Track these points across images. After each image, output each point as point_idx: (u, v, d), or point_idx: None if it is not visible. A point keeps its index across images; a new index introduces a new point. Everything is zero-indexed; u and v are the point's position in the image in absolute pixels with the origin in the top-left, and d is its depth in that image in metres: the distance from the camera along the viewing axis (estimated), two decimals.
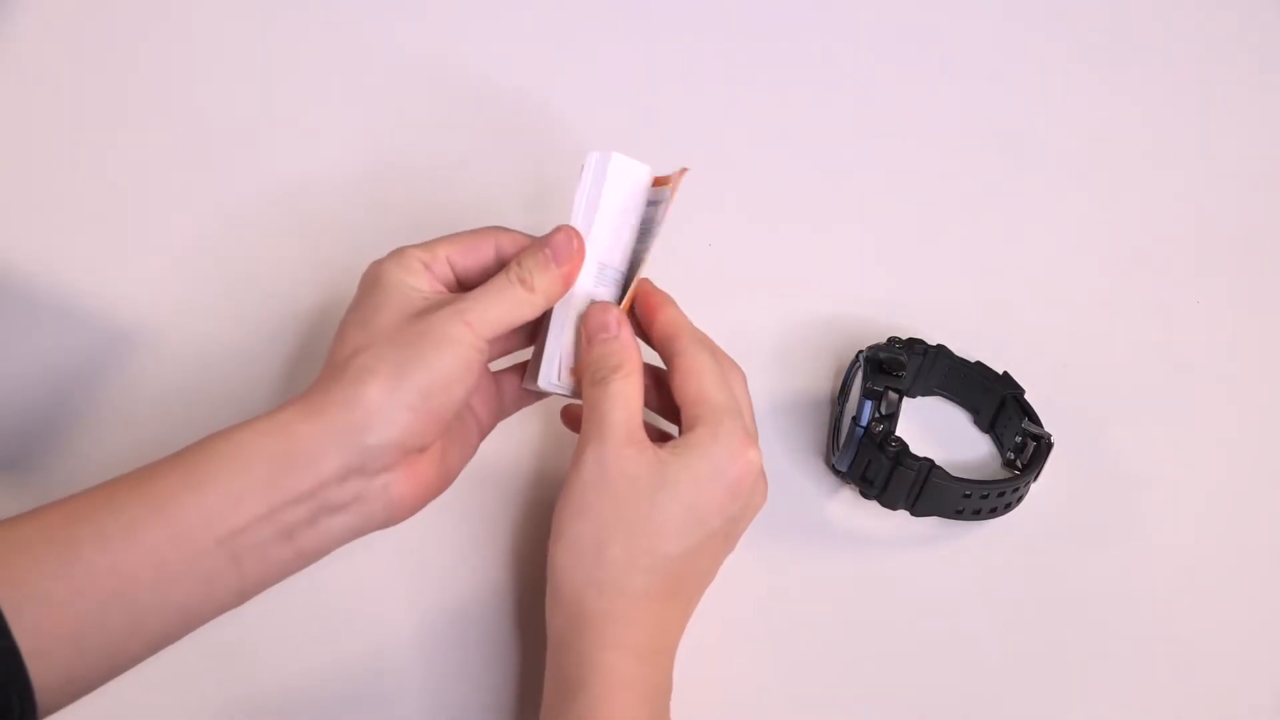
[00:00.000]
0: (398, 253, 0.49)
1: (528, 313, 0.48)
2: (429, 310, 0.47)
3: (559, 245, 0.49)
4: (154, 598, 0.41)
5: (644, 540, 0.46)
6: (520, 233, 0.51)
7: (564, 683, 0.45)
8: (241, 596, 0.44)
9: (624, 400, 0.47)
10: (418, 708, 0.50)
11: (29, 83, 0.67)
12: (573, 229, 0.49)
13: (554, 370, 0.50)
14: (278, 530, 0.43)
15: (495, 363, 0.53)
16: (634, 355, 0.48)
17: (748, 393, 0.51)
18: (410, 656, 0.51)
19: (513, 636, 0.52)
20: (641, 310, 0.51)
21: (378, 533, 0.47)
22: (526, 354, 0.53)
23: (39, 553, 0.40)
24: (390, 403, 0.44)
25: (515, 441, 0.57)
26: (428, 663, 0.51)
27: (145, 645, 0.42)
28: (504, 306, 0.47)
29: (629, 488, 0.46)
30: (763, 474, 0.49)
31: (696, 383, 0.48)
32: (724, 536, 0.48)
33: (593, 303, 0.50)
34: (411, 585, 0.53)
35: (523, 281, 0.48)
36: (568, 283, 0.49)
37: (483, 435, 0.52)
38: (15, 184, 0.63)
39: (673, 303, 0.51)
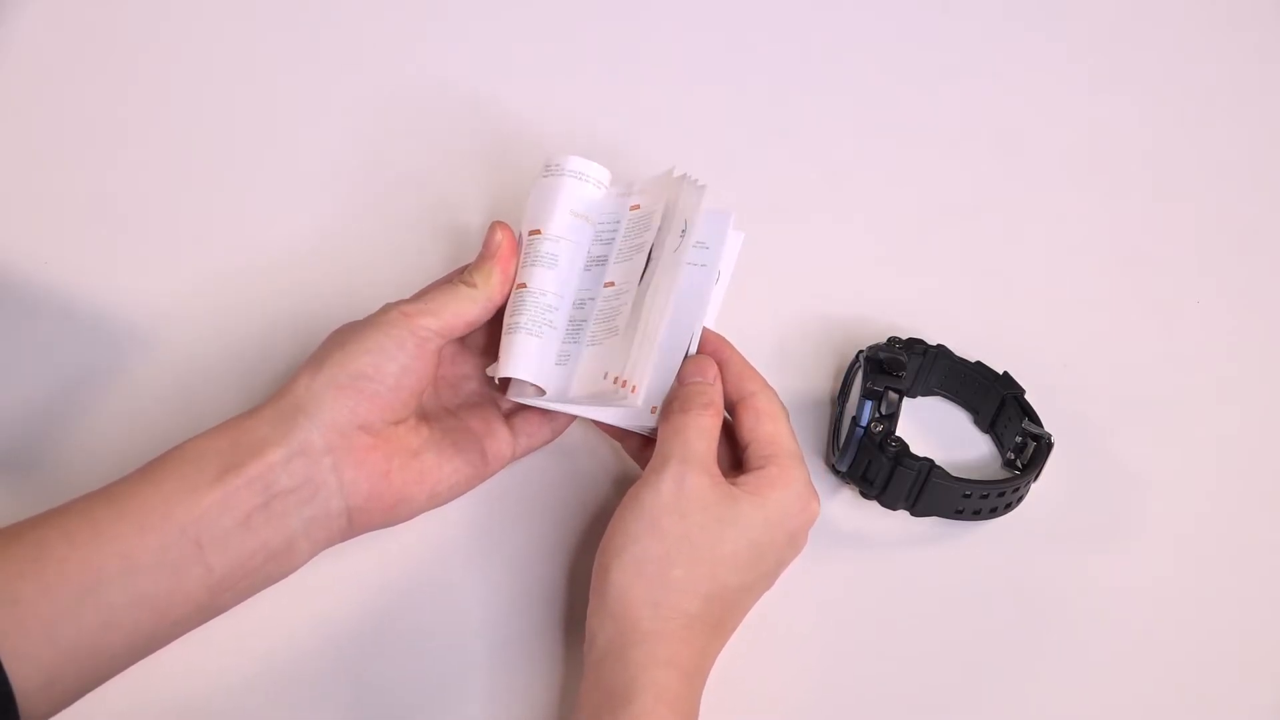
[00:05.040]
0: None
1: (470, 307, 0.50)
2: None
3: (488, 240, 0.52)
4: (124, 591, 0.42)
5: (708, 567, 0.47)
6: None
7: (607, 695, 0.45)
8: (213, 593, 0.45)
9: (708, 435, 0.50)
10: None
11: (29, 83, 0.67)
12: (501, 223, 0.52)
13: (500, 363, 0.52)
14: (236, 518, 0.44)
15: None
16: (721, 402, 0.51)
17: None
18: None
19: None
20: (708, 352, 0.53)
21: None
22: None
23: (7, 554, 0.41)
24: (317, 382, 0.47)
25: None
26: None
27: (123, 644, 0.43)
28: (443, 299, 0.50)
29: (702, 515, 0.48)
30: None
31: (771, 425, 0.51)
32: (769, 577, 0.50)
33: (694, 355, 0.52)
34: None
35: (464, 281, 0.51)
36: (505, 275, 0.52)
37: (489, 460, 0.52)
38: (15, 184, 0.63)
39: (732, 345, 0.53)
